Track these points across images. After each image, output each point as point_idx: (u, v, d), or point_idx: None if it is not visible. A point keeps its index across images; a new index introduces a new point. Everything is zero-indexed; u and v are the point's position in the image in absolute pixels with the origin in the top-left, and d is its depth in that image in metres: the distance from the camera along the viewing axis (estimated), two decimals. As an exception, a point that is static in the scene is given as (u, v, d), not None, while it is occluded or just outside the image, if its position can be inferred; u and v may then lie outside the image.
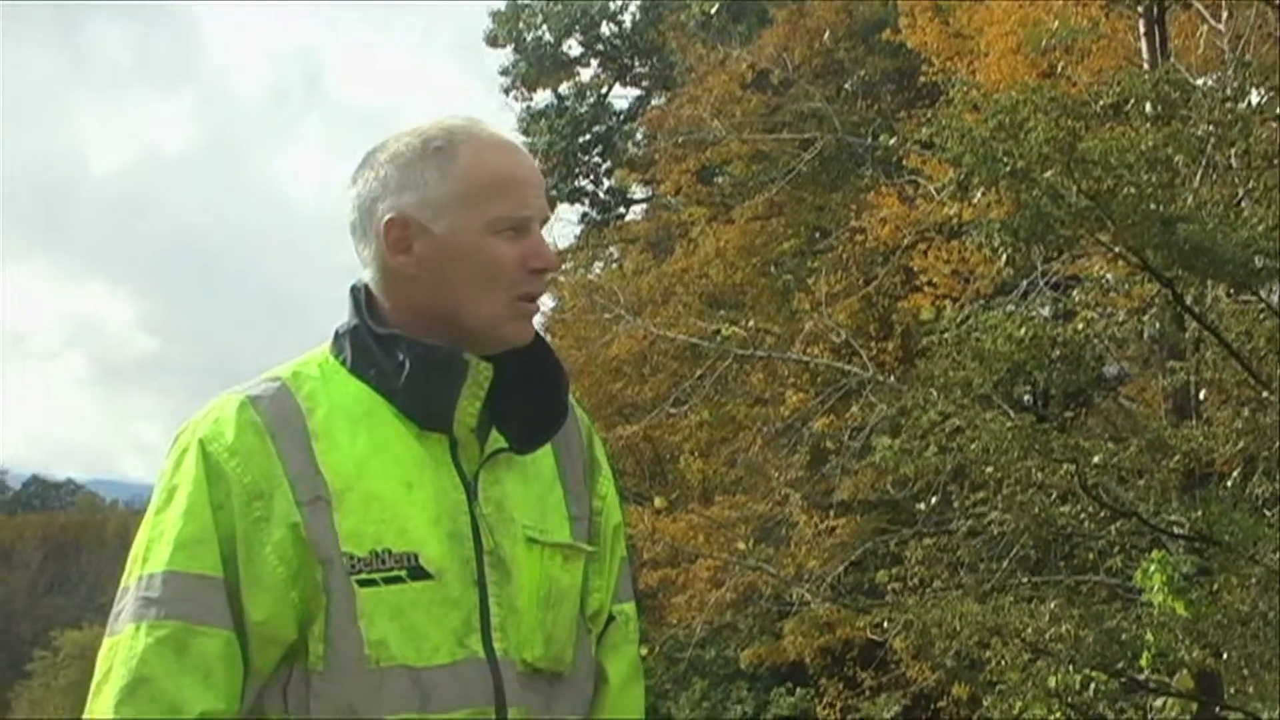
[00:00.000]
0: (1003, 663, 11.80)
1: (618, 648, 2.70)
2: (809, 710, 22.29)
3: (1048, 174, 10.31)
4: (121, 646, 2.31)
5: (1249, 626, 10.99)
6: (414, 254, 2.45)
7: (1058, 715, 12.09)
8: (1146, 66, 13.19)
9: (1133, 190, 10.31)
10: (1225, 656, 11.36)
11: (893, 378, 16.03)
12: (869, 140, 21.08)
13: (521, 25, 31.66)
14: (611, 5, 31.91)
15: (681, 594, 21.49)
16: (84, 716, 2.33)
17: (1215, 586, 11.17)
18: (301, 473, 2.36)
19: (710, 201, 25.41)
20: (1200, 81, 12.96)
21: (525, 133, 31.75)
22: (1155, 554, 11.27)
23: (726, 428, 22.88)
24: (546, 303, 28.16)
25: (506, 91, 32.34)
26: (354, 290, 2.54)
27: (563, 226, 32.76)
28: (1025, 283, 15.46)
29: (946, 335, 11.55)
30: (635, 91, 32.91)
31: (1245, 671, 11.31)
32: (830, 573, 17.83)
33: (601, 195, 32.62)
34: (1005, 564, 14.29)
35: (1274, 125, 11.78)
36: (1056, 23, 14.83)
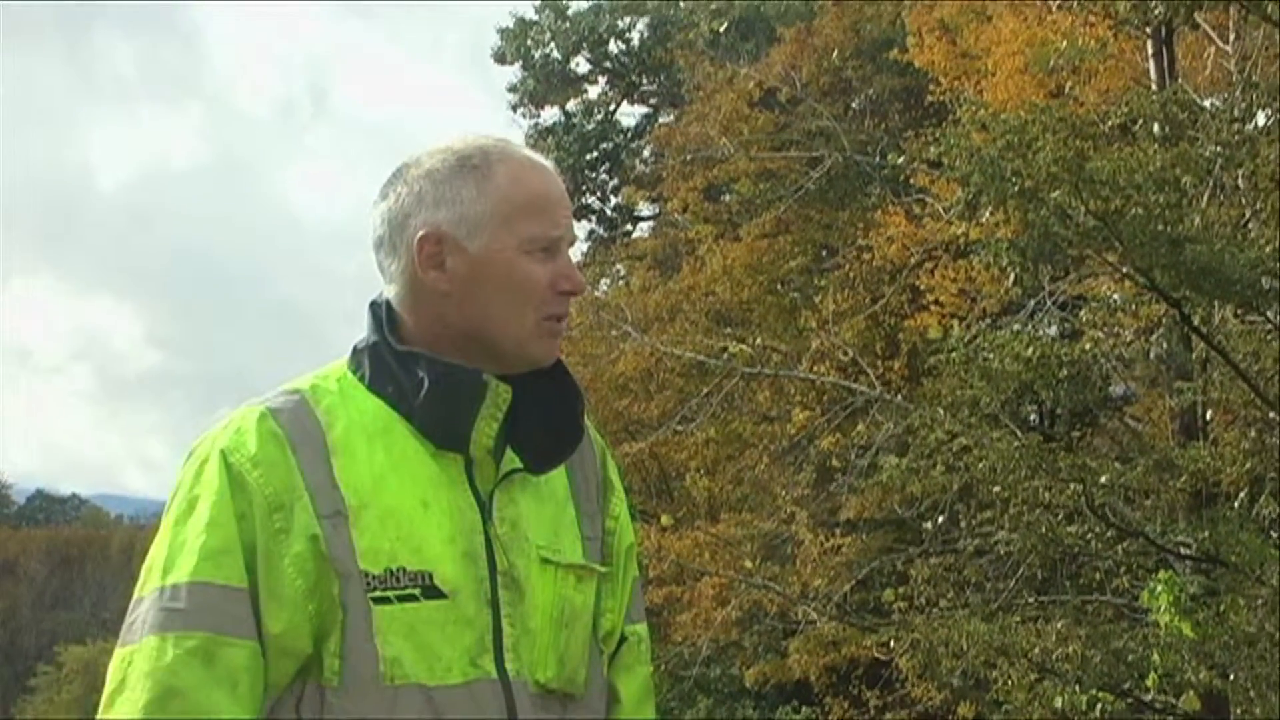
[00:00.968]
0: (1009, 682, 11.80)
1: (630, 668, 2.70)
2: (814, 728, 22.25)
3: (1056, 194, 10.32)
4: (144, 657, 2.30)
5: (1255, 647, 10.98)
6: (446, 270, 2.45)
7: (1064, 735, 12.08)
8: (1154, 87, 13.21)
9: (1140, 211, 10.34)
10: (1232, 677, 11.35)
11: (899, 396, 16.03)
12: (876, 159, 21.08)
13: (530, 42, 31.72)
14: (620, 23, 31.96)
15: (687, 611, 21.45)
16: None
17: (1222, 607, 11.17)
18: (321, 486, 2.36)
19: (717, 219, 25.40)
20: (1208, 102, 12.98)
21: (533, 149, 31.74)
22: (1162, 574, 11.29)
23: (733, 445, 22.85)
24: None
25: (514, 108, 32.44)
26: (374, 306, 2.53)
27: (570, 244, 32.78)
28: (1033, 302, 15.46)
29: (954, 354, 11.56)
30: (643, 109, 33.01)
31: (1252, 693, 11.29)
32: (836, 591, 17.82)
33: (609, 212, 32.67)
34: (1012, 583, 14.28)
35: (1281, 146, 11.79)
36: (1064, 43, 14.85)
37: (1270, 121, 12.21)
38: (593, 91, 32.69)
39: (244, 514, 2.34)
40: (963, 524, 14.27)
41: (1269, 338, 11.37)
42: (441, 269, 2.45)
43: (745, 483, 23.27)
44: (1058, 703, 11.45)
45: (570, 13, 31.85)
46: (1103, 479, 10.97)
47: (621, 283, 29.84)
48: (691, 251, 25.23)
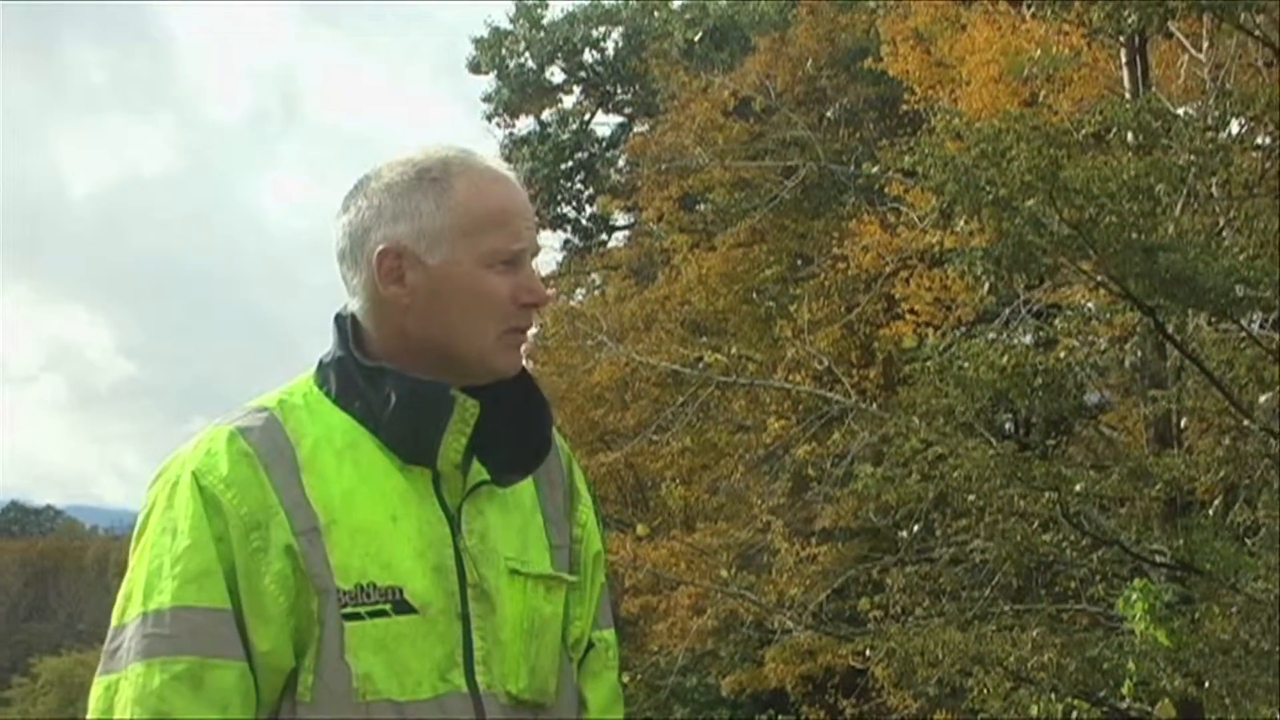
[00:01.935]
0: (985, 691, 11.82)
1: (598, 675, 2.70)
2: (790, 738, 22.26)
3: (1030, 202, 10.33)
4: (130, 684, 2.29)
5: (1231, 655, 11.00)
6: (406, 284, 2.43)
7: (1040, 744, 12.08)
8: (1128, 95, 13.23)
9: (1114, 219, 10.35)
10: (1207, 685, 11.36)
11: (875, 405, 16.04)
12: (851, 168, 21.12)
13: (504, 52, 31.71)
14: (594, 32, 31.97)
15: (663, 621, 21.49)
16: None
17: (1197, 615, 11.19)
18: (295, 503, 2.35)
19: (692, 228, 25.44)
20: (1181, 111, 13.00)
21: (508, 159, 31.40)
22: (1137, 582, 11.29)
23: (708, 455, 22.87)
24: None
25: (489, 118, 32.42)
26: (339, 319, 2.52)
27: (545, 253, 32.77)
28: (1007, 311, 15.48)
29: (929, 363, 11.57)
30: (618, 118, 33.04)
31: (1227, 700, 11.30)
32: (812, 600, 17.82)
33: (584, 222, 32.67)
34: (987, 592, 14.30)
35: (1254, 154, 11.83)
36: (1039, 51, 14.88)
37: (1243, 130, 12.26)
38: (567, 101, 32.75)
39: (221, 536, 2.33)
40: (938, 533, 14.28)
41: (1242, 345, 11.38)
42: (401, 283, 2.44)
43: (721, 492, 23.31)
44: (1033, 711, 11.47)
45: (545, 22, 31.85)
46: (1077, 487, 10.98)
47: (597, 292, 29.88)
48: (667, 261, 25.26)
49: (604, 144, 32.57)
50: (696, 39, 27.86)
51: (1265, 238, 10.92)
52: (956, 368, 11.32)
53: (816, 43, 24.12)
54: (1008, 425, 18.90)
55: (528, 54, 31.81)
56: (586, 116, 32.62)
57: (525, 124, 32.44)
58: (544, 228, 31.74)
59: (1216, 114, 12.30)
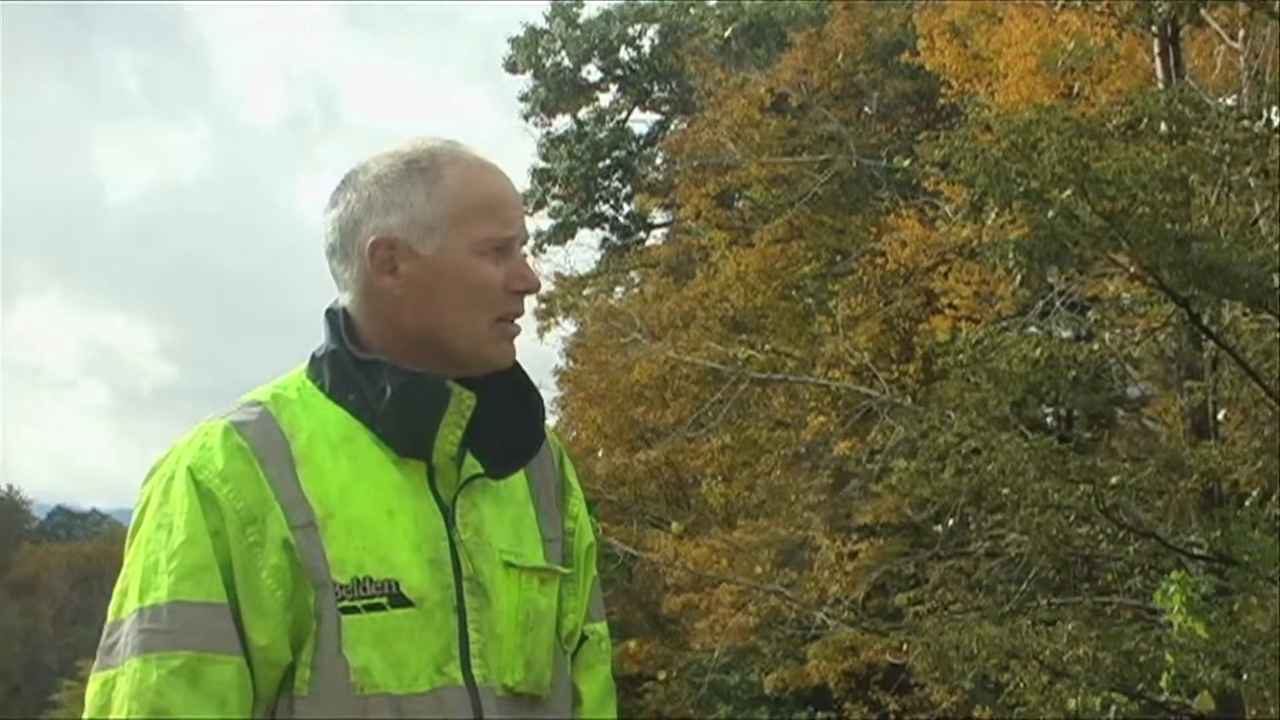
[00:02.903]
0: (1022, 685, 11.77)
1: (591, 667, 2.70)
2: (832, 734, 22.24)
3: (1062, 194, 10.28)
4: (127, 680, 2.28)
5: (1269, 647, 10.93)
6: (399, 275, 2.43)
7: (1078, 737, 12.03)
8: (1161, 86, 13.16)
9: (1147, 210, 10.30)
10: (1245, 677, 11.30)
11: (912, 400, 16.00)
12: (886, 162, 21.06)
13: (540, 51, 31.76)
14: (630, 30, 31.98)
15: (704, 619, 21.48)
16: None
17: (1235, 607, 11.12)
18: (291, 497, 2.35)
19: (730, 225, 25.42)
20: (1218, 101, 12.93)
21: (545, 158, 31.85)
22: (1175, 575, 11.24)
23: (748, 452, 22.86)
24: (569, 328, 28.16)
25: (526, 117, 32.47)
26: (331, 313, 2.52)
27: (583, 252, 32.89)
28: (1041, 303, 15.40)
29: (961, 356, 11.53)
30: (655, 116, 33.05)
31: (1266, 692, 11.25)
32: (852, 596, 17.80)
33: (622, 220, 32.71)
34: (1024, 586, 14.23)
35: (1290, 143, 11.73)
36: (1072, 43, 14.81)
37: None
38: (604, 99, 32.81)
39: (218, 530, 2.32)
40: (974, 527, 14.21)
41: (1279, 335, 11.32)
42: (394, 274, 2.44)
43: (761, 489, 23.28)
44: (1071, 705, 11.42)
45: (581, 20, 31.89)
46: (1113, 480, 10.92)
47: (635, 290, 29.88)
48: (705, 258, 25.26)
49: (641, 142, 32.60)
50: (726, 34, 27.84)
51: (1301, 227, 10.86)
52: (989, 361, 11.27)
53: (853, 37, 24.07)
54: (1050, 419, 18.80)
55: (564, 53, 31.85)
56: (623, 114, 32.66)
57: (562, 123, 32.53)
58: (581, 227, 31.85)
59: (1252, 103, 12.23)
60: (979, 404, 11.42)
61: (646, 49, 32.20)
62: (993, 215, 11.29)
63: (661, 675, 23.58)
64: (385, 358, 2.44)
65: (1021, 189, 10.31)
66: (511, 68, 32.29)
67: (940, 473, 11.72)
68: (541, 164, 32.03)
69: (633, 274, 31.26)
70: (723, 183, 24.79)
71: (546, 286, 27.84)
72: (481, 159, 2.52)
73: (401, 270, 2.43)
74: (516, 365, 2.52)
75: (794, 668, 21.27)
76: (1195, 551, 11.69)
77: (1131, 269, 10.97)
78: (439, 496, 2.45)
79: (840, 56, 23.83)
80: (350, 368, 2.45)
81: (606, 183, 32.31)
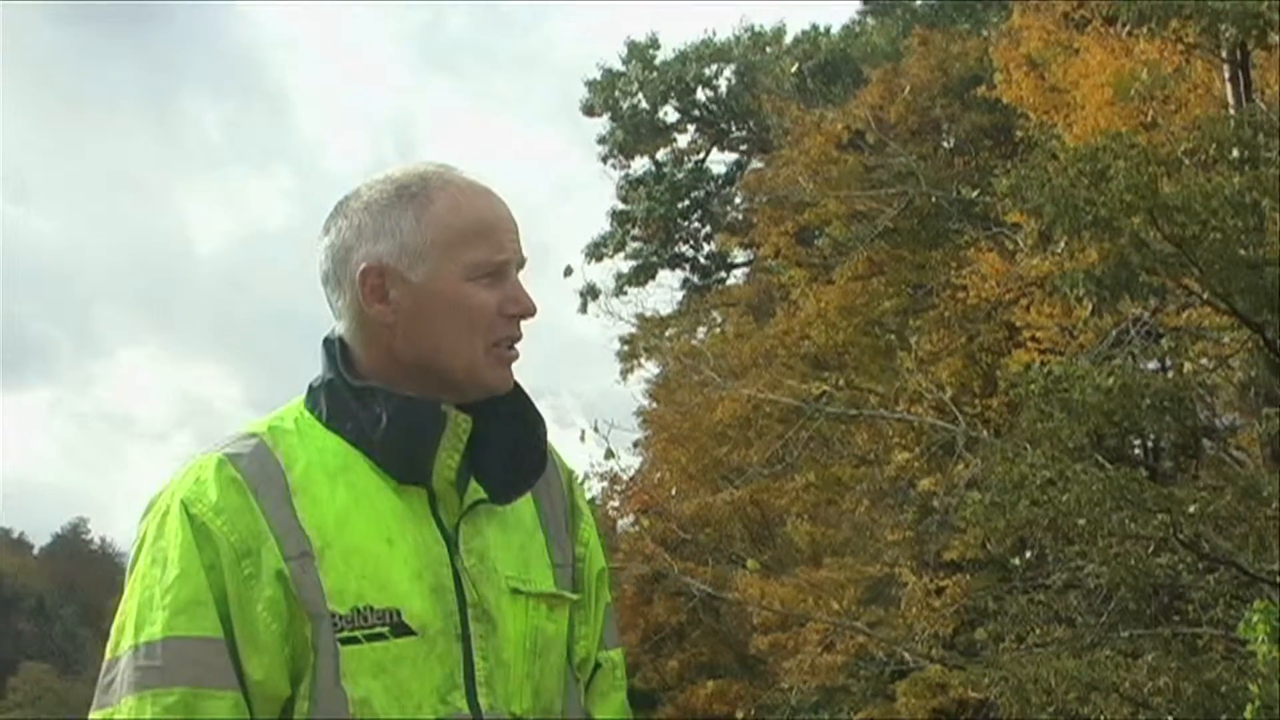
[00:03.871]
0: (1103, 718, 11.62)
1: (605, 695, 2.67)
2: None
3: (1132, 221, 10.21)
4: (123, 718, 2.27)
5: (1355, 676, 10.76)
6: (390, 302, 2.42)
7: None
8: (1231, 110, 13.05)
9: (1219, 235, 10.21)
10: (1331, 707, 11.12)
11: (995, 433, 15.89)
12: (962, 196, 20.96)
13: (617, 93, 31.85)
14: (706, 71, 32.03)
15: (792, 658, 21.38)
16: None
17: (1319, 635, 10.95)
18: (286, 528, 2.33)
19: (810, 263, 25.36)
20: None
21: (624, 200, 31.94)
22: (1258, 604, 11.07)
23: (832, 489, 22.78)
24: (651, 369, 28.18)
25: (604, 159, 32.57)
26: (327, 342, 2.51)
27: (664, 293, 32.92)
28: (1114, 333, 15.26)
29: (1032, 387, 11.44)
30: (732, 155, 33.09)
31: (1353, 723, 11.05)
32: (938, 632, 17.66)
33: (702, 260, 32.74)
34: (1104, 617, 14.08)
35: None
36: (1144, 72, 14.71)
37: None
38: (682, 140, 32.88)
39: (212, 564, 2.31)
40: (1052, 559, 14.07)
41: (1358, 360, 11.19)
42: (385, 301, 2.43)
43: (846, 526, 23.18)
44: (1153, 736, 11.28)
45: (657, 62, 31.96)
46: (1190, 508, 10.80)
47: (717, 330, 29.86)
48: (785, 296, 25.23)
49: (719, 181, 32.62)
50: (808, 73, 27.84)
51: (1375, 249, 10.72)
52: (1061, 392, 11.17)
53: (929, 72, 24.02)
54: (1136, 450, 18.62)
55: (641, 94, 31.92)
56: (701, 155, 32.69)
57: (641, 164, 32.61)
58: (662, 268, 31.87)
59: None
60: (1052, 435, 11.32)
61: (723, 89, 32.26)
62: (1061, 244, 11.21)
63: (740, 715, 23.41)
64: (380, 385, 2.43)
65: (1090, 217, 10.25)
66: (589, 110, 32.41)
67: (1015, 504, 11.63)
68: (621, 206, 32.13)
69: (714, 313, 31.24)
70: (801, 220, 24.75)
71: (627, 329, 27.90)
72: (474, 183, 2.50)
73: (392, 297, 2.42)
74: (518, 389, 2.51)
75: (883, 706, 21.13)
76: (1278, 580, 11.52)
77: (1204, 295, 10.86)
78: (441, 523, 2.42)
79: (913, 91, 23.76)
80: (346, 396, 2.44)
81: (686, 223, 32.35)
